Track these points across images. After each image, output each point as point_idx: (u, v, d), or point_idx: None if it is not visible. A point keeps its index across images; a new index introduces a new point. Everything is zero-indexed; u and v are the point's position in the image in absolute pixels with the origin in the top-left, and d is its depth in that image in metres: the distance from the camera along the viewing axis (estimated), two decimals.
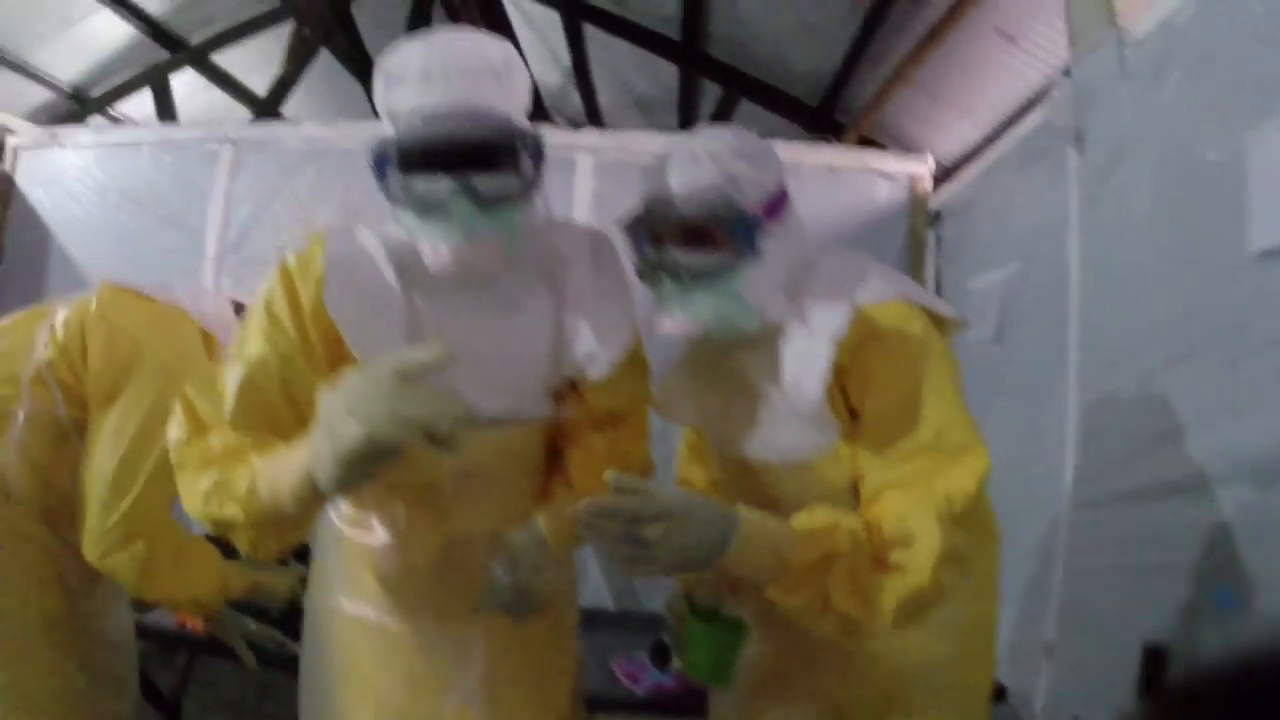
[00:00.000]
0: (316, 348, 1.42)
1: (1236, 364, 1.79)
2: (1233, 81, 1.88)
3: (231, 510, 1.28)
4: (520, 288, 1.53)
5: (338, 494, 1.13)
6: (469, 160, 1.34)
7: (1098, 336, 2.35)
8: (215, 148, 4.13)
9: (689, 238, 1.48)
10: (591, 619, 2.14)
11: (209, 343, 2.03)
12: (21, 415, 1.92)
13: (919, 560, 1.27)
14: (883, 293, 1.46)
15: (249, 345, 1.41)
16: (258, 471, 1.26)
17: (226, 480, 1.29)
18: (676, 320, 1.51)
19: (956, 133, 5.00)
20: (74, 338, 1.95)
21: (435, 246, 1.39)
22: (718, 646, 1.54)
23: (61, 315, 1.99)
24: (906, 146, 5.28)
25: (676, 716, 2.38)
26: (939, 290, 3.76)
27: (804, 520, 1.31)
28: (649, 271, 1.51)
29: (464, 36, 1.39)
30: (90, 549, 1.87)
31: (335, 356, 1.42)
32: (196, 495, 1.32)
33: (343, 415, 1.09)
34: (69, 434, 1.94)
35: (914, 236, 3.68)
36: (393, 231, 1.46)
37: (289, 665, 2.35)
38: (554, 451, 1.72)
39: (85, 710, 2.01)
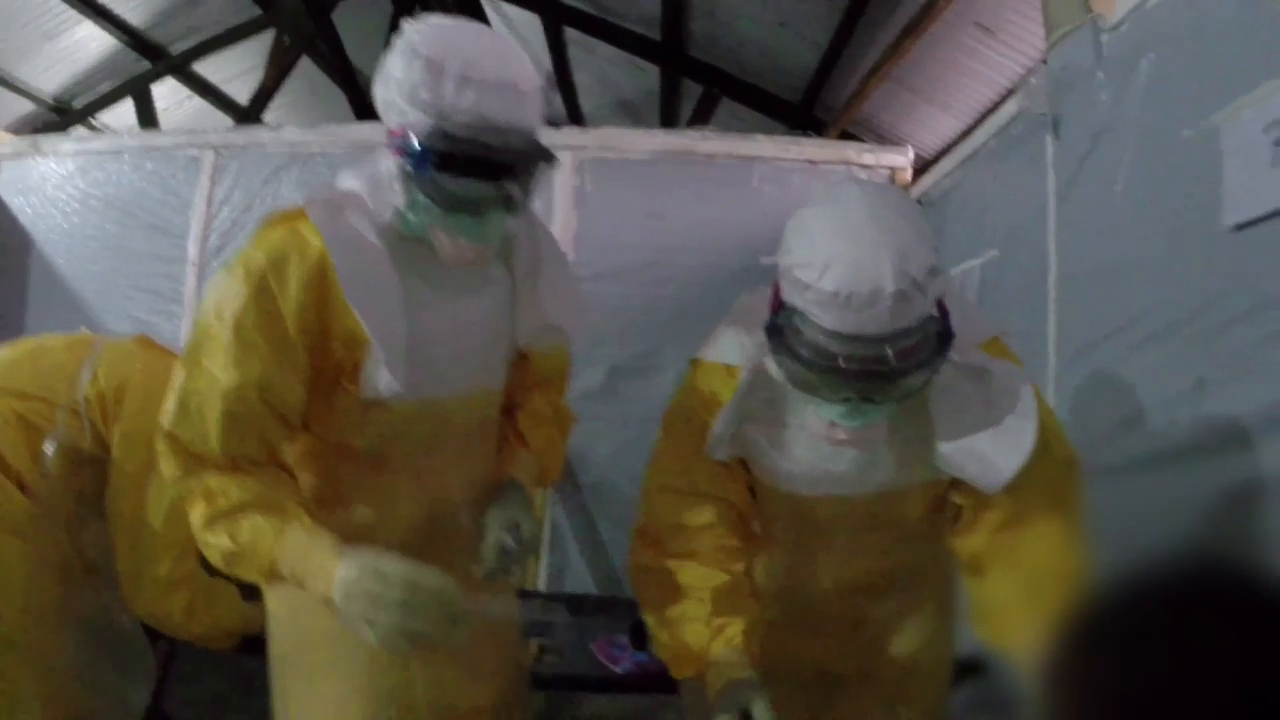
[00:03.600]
0: (298, 348, 1.45)
1: (1215, 337, 1.82)
2: (1205, 62, 1.91)
3: (255, 577, 1.44)
4: (485, 269, 1.62)
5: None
6: (510, 171, 1.43)
7: (1076, 318, 2.37)
8: (197, 154, 4.16)
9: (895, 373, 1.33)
10: (577, 605, 2.18)
11: None
12: (53, 444, 2.03)
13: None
14: (985, 331, 1.53)
15: (216, 370, 1.42)
16: (277, 554, 1.38)
17: (244, 551, 1.40)
18: (851, 431, 1.44)
19: (937, 126, 5.05)
20: (113, 388, 2.07)
21: (455, 240, 1.47)
22: None
23: (105, 359, 2.12)
24: (888, 141, 5.33)
25: (656, 694, 2.45)
26: None
27: None
28: (834, 400, 1.39)
29: (512, 51, 1.46)
30: (138, 600, 2.07)
31: (321, 344, 1.48)
32: (217, 555, 1.43)
33: (359, 620, 1.29)
34: (89, 463, 2.06)
35: None
36: (379, 214, 1.49)
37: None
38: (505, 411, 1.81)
39: (106, 695, 2.14)
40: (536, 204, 4.16)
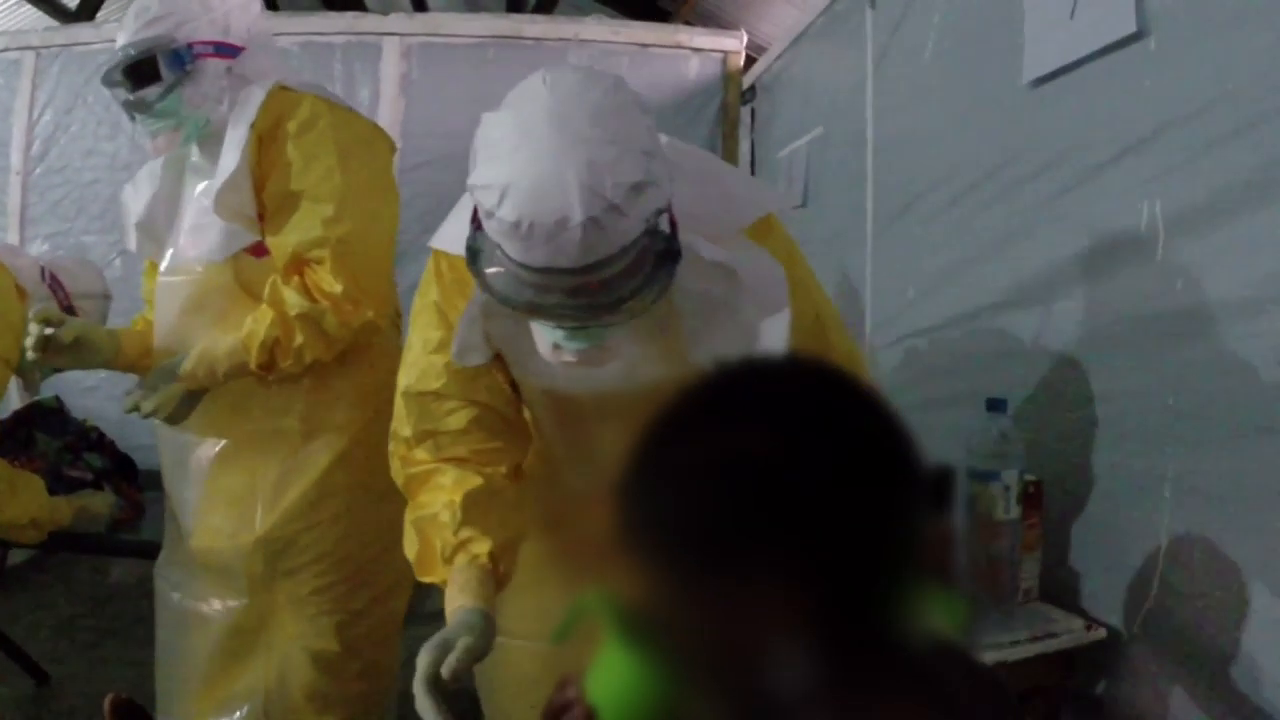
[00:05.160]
0: None
1: (1011, 194, 1.85)
2: None
3: None
4: (215, 151, 1.82)
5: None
6: (130, 82, 1.83)
7: (891, 185, 2.40)
8: (17, 56, 3.96)
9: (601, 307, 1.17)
10: None
11: (21, 295, 2.30)
12: None
13: None
14: (754, 210, 1.34)
15: None
16: None
17: None
18: (577, 353, 1.23)
19: (779, 17, 5.02)
20: None
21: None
22: None
23: None
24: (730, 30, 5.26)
25: None
26: (753, 163, 3.81)
27: None
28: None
29: None
30: None
31: None
32: None
33: None
34: None
35: (727, 112, 3.67)
36: None
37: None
38: None
39: None
40: (364, 91, 3.92)
